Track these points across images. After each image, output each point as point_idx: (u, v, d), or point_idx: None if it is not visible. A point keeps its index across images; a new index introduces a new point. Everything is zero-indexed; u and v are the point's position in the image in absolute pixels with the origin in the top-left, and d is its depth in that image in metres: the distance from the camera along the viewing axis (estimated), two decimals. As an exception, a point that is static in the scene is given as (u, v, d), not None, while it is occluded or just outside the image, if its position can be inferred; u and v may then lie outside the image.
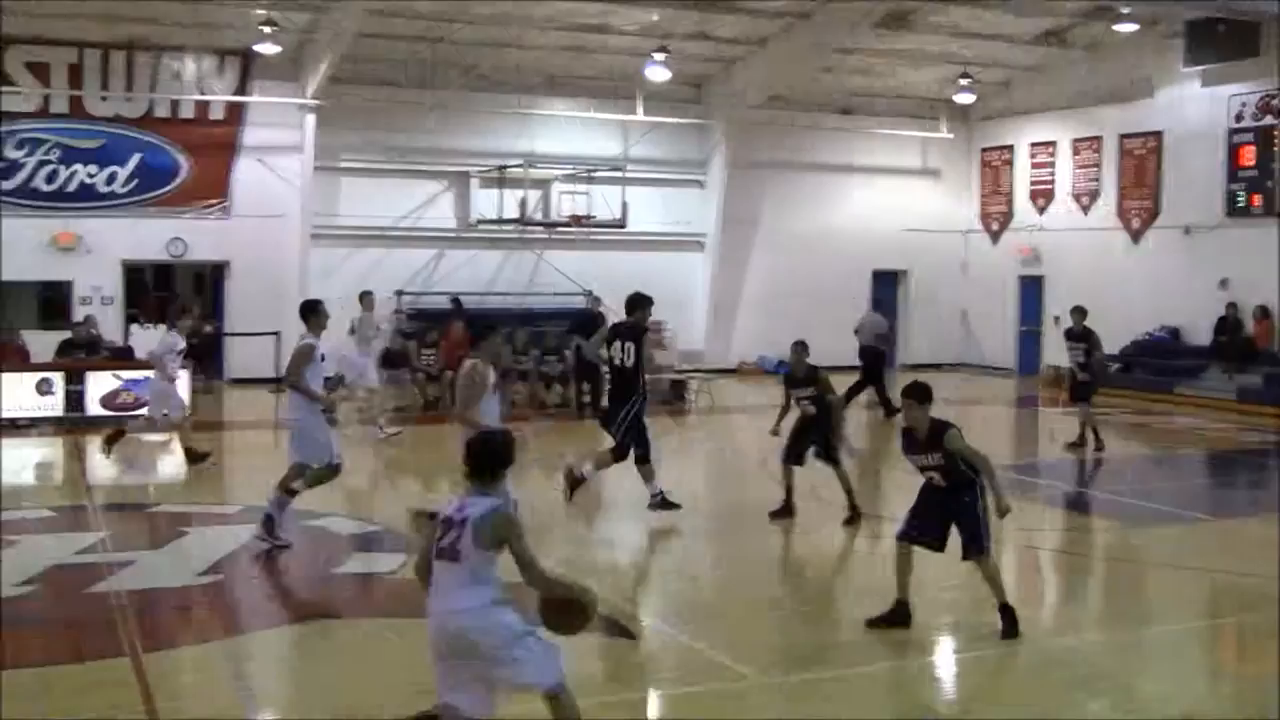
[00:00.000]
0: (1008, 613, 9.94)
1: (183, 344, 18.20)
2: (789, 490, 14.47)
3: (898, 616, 10.12)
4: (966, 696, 9.16)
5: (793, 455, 14.44)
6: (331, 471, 13.02)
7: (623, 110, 30.11)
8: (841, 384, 15.44)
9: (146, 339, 24.49)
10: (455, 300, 27.34)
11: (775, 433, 14.68)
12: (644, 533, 14.21)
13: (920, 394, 9.99)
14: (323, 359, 13.33)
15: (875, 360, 24.53)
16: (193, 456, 17.76)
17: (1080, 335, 20.42)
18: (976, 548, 9.91)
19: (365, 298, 21.98)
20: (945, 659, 9.92)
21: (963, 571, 10.57)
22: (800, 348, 14.62)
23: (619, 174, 29.05)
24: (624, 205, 28.65)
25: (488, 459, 7.13)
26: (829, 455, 14.33)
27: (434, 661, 6.95)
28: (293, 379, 12.78)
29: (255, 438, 20.46)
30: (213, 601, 11.00)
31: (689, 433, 23.94)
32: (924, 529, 10.10)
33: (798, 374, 14.59)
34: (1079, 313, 20.57)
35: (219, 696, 8.69)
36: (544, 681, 6.86)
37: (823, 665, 9.45)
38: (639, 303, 14.50)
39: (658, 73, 27.84)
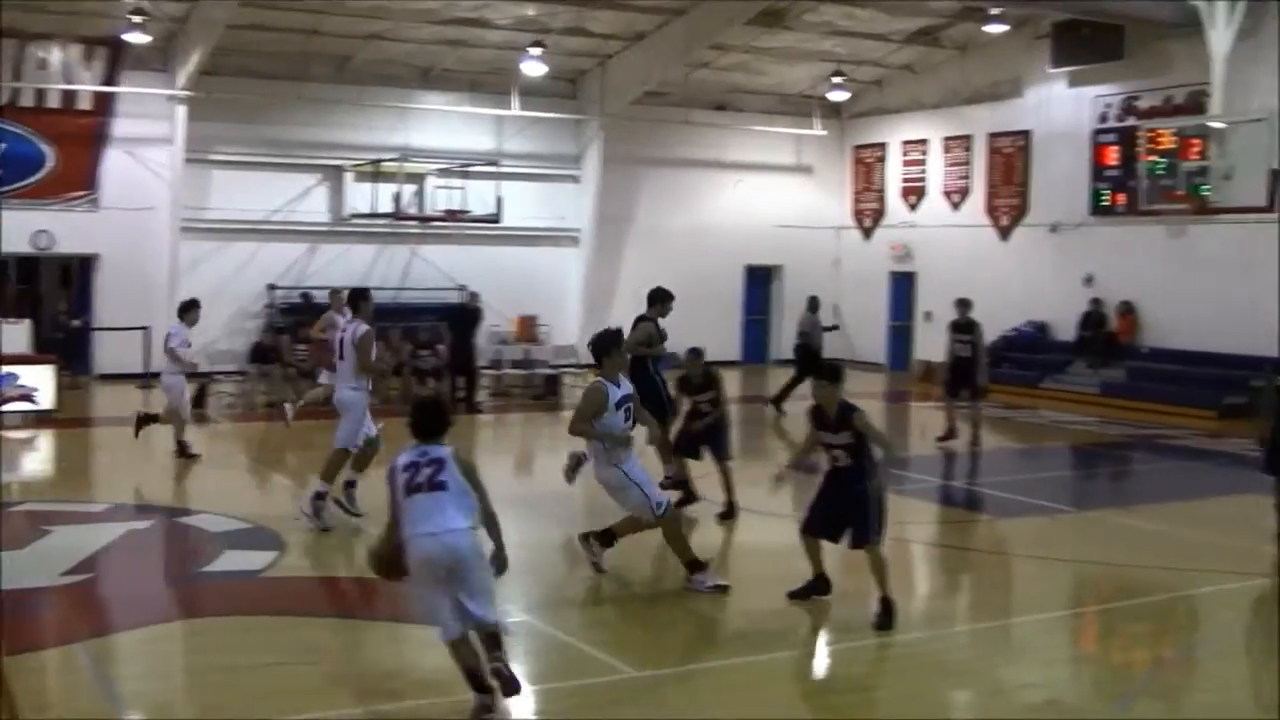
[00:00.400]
0: (887, 605, 10.18)
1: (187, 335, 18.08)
2: (687, 480, 14.56)
3: (818, 586, 10.64)
4: (837, 688, 9.28)
5: (688, 449, 14.55)
6: (370, 446, 13.83)
7: (498, 105, 29.96)
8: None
9: (10, 335, 23.90)
10: (304, 297, 27.11)
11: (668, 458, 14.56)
12: (517, 527, 14.20)
13: (832, 374, 10.46)
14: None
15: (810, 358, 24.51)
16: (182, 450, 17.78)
17: (966, 327, 20.72)
18: (863, 537, 10.25)
19: (335, 295, 20.29)
20: (818, 651, 10.04)
21: (840, 565, 10.74)
22: (696, 354, 14.70)
23: (494, 169, 28.98)
24: (499, 200, 28.55)
25: (436, 420, 8.29)
26: (722, 454, 14.48)
27: (432, 586, 7.92)
28: (369, 365, 13.83)
29: (124, 434, 20.04)
30: (78, 602, 10.78)
31: (564, 427, 23.92)
32: (823, 523, 10.46)
33: (695, 379, 14.59)
34: (964, 304, 20.85)
35: (84, 699, 8.53)
36: (491, 619, 7.94)
37: (697, 659, 9.51)
38: (657, 297, 15.88)
39: (534, 67, 27.81)
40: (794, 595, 10.64)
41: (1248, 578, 12.49)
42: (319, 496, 13.43)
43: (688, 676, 9.07)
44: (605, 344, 11.38)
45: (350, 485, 13.62)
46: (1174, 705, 8.73)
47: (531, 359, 27.45)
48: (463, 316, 25.18)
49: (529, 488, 17.62)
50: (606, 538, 11.60)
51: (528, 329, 29.68)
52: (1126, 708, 8.51)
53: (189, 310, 18.23)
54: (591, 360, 11.97)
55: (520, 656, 9.53)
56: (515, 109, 29.79)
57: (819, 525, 10.50)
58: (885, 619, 10.12)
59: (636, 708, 8.54)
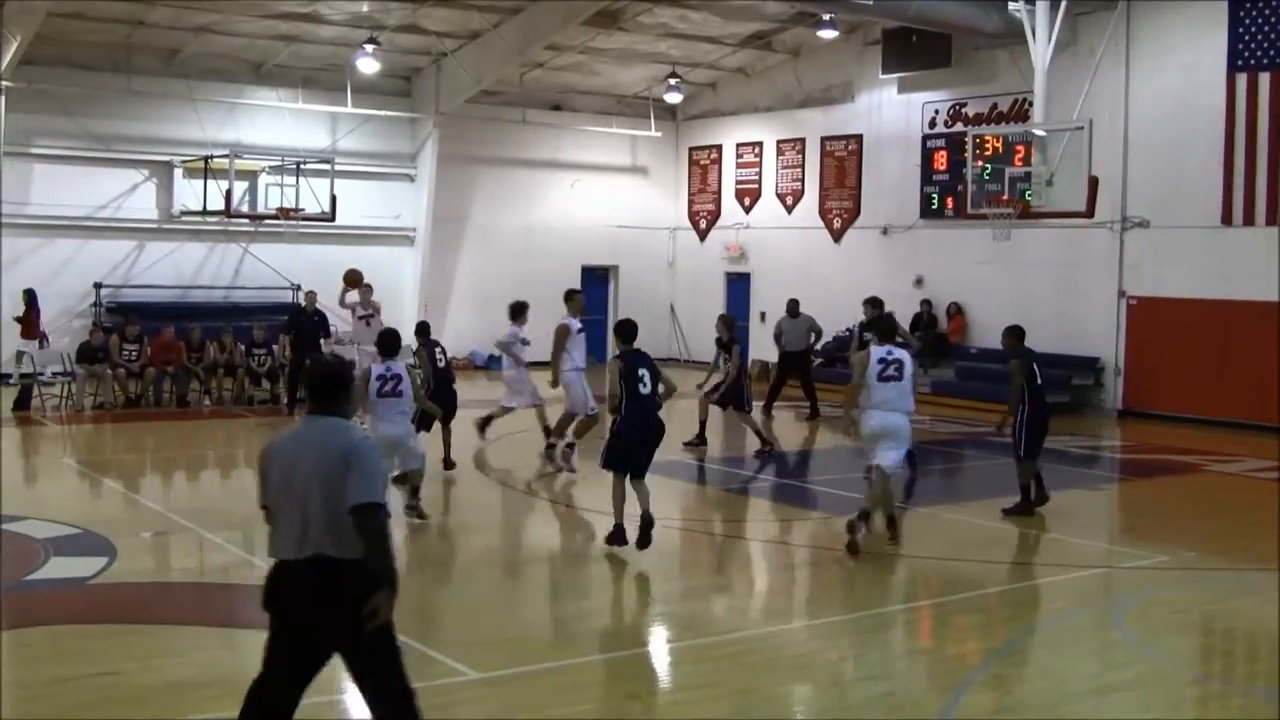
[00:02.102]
0: (645, 524, 12.01)
1: (524, 334, 19.01)
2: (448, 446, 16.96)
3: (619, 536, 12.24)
4: (680, 684, 9.32)
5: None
6: (591, 420, 17.65)
7: (332, 101, 29.69)
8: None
9: None
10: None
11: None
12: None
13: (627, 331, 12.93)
14: (580, 331, 17.88)
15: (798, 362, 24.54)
16: (549, 433, 18.59)
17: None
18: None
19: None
20: (658, 648, 10.10)
21: (674, 563, 10.82)
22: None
23: (328, 166, 28.64)
24: (333, 198, 28.22)
25: (394, 343, 13.83)
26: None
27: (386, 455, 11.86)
28: (554, 352, 17.54)
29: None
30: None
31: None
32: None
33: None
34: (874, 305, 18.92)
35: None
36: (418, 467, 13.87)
37: (536, 659, 9.46)
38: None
39: (368, 64, 27.58)
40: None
41: (1074, 569, 12.88)
42: (569, 446, 17.29)
43: (527, 677, 9.03)
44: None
45: (569, 446, 17.35)
46: (1005, 694, 8.95)
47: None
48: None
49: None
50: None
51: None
52: (960, 698, 8.71)
53: (521, 312, 19.05)
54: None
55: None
56: (349, 106, 29.54)
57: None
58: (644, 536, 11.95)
59: (475, 708, 8.49)
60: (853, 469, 19.71)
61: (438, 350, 17.21)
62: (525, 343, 18.75)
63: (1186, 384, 24.10)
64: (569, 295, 18.57)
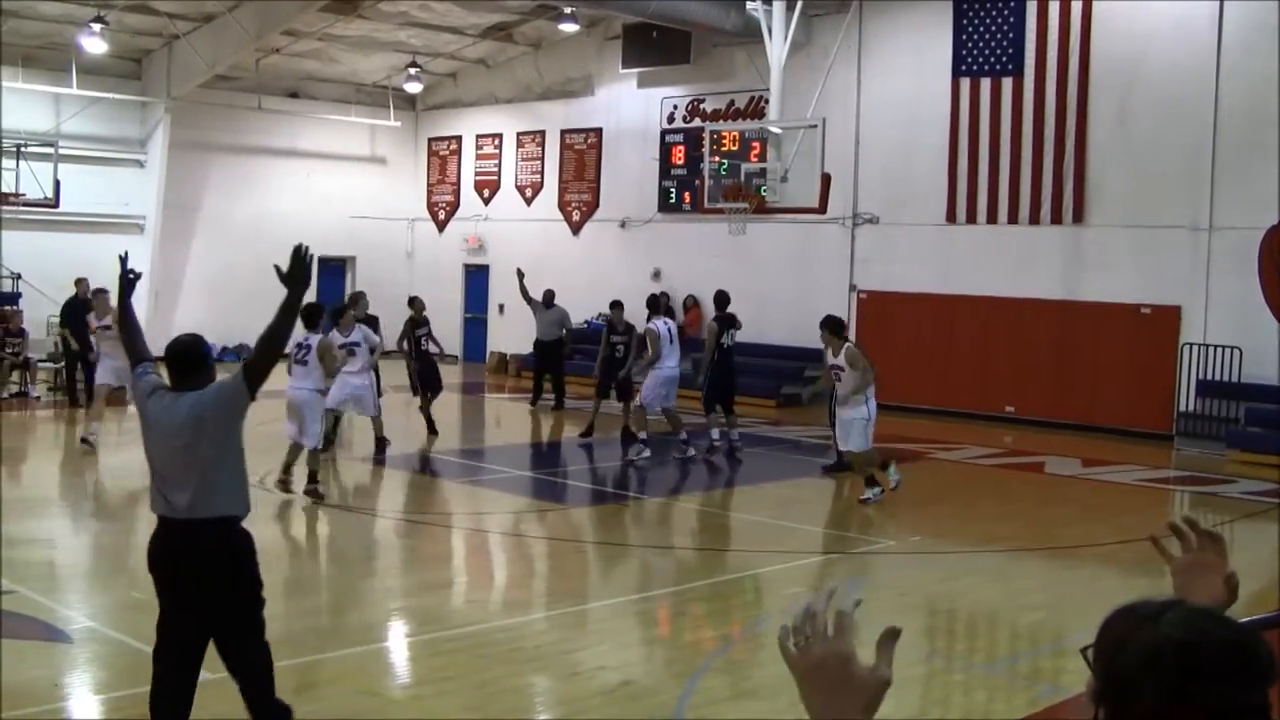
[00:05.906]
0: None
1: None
2: None
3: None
4: (417, 679, 9.24)
5: None
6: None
7: (55, 82, 28.37)
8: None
9: None
10: None
11: None
12: (74, 530, 13.58)
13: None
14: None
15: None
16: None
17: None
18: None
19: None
20: (395, 643, 9.99)
21: (404, 557, 10.71)
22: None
23: (51, 150, 27.38)
24: (56, 183, 27.01)
25: (313, 316, 14.67)
26: None
27: (288, 416, 14.50)
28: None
29: None
30: None
31: (127, 423, 22.95)
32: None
33: None
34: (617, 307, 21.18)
35: None
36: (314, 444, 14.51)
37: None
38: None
39: (94, 44, 26.48)
40: None
41: (805, 556, 13.20)
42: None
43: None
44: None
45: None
46: (740, 679, 9.11)
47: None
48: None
49: (88, 488, 16.86)
50: None
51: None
52: (695, 684, 8.83)
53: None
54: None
55: (86, 664, 9.10)
56: (74, 87, 28.30)
57: None
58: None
59: (211, 709, 8.24)
60: (593, 460, 19.90)
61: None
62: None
63: (912, 375, 24.92)
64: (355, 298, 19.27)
